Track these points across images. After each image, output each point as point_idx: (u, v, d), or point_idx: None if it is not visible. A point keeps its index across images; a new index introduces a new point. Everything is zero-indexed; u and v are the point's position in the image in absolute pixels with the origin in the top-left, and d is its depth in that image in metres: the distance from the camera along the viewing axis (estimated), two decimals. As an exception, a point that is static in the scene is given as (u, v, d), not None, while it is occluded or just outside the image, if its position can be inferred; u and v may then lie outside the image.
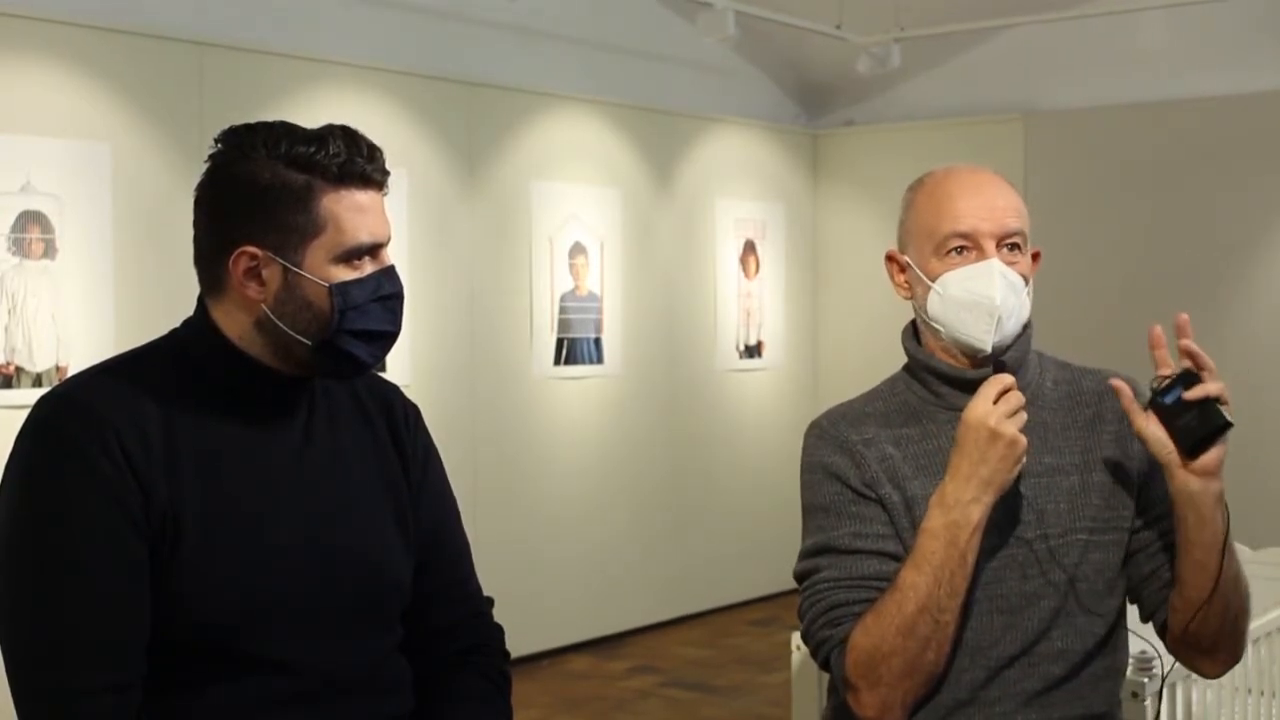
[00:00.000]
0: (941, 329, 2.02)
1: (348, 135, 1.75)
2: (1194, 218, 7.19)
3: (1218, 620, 1.99)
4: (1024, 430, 1.92)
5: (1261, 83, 7.04)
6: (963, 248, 2.00)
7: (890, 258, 2.10)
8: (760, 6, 6.88)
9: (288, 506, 1.77)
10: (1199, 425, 1.89)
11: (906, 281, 2.08)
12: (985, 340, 1.98)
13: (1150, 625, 2.11)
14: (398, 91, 6.09)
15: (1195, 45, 7.30)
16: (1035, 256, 2.09)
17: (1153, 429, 1.92)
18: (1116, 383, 1.97)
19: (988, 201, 2.01)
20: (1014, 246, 2.01)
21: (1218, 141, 7.12)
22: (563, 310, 6.78)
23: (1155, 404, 1.91)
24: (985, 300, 1.96)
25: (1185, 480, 1.91)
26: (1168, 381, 1.91)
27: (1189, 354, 1.90)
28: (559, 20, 7.00)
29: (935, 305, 2.01)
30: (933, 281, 2.01)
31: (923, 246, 2.03)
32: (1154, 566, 2.05)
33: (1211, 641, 2.02)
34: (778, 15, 7.04)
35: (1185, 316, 1.94)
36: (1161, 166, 7.28)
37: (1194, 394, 1.88)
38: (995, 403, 1.92)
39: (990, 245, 1.99)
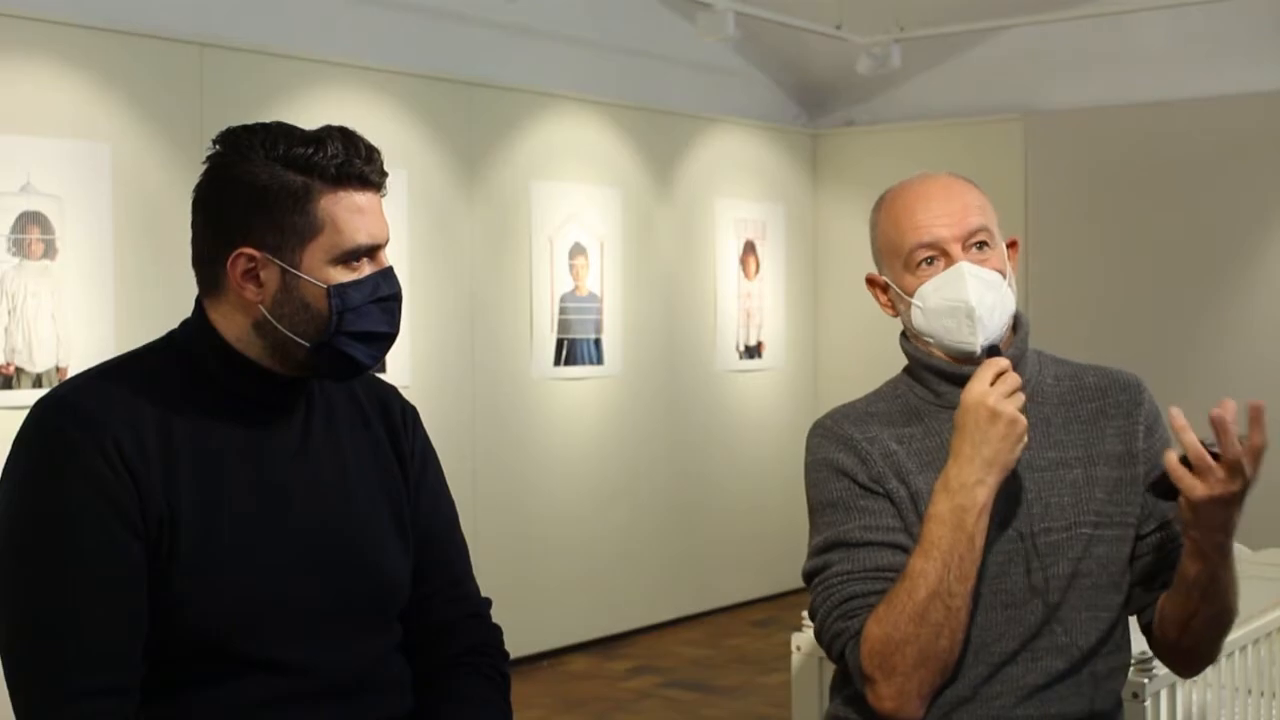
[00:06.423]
0: (930, 340, 2.05)
1: (345, 136, 1.75)
2: (1194, 218, 7.18)
3: (1197, 638, 2.04)
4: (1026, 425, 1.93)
5: (1261, 83, 7.04)
6: (931, 258, 2.03)
7: (870, 280, 2.15)
8: (760, 6, 6.88)
9: (286, 507, 1.77)
10: (1158, 482, 1.94)
11: (889, 301, 2.12)
12: (972, 342, 2.00)
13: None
14: (398, 91, 6.09)
15: (1195, 45, 7.29)
16: (1013, 245, 2.11)
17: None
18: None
19: (943, 206, 2.03)
20: (981, 244, 2.03)
21: (1218, 141, 7.11)
22: (563, 310, 6.78)
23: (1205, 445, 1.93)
24: (961, 304, 1.99)
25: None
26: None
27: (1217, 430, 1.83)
28: (559, 20, 6.99)
29: (919, 319, 2.05)
30: (911, 296, 2.04)
31: (894, 264, 2.08)
32: (1154, 570, 2.07)
33: (1189, 652, 2.08)
34: (778, 15, 7.03)
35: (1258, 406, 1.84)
36: (1162, 166, 7.27)
37: (1176, 472, 1.87)
38: (992, 384, 1.93)
39: (956, 249, 2.02)
